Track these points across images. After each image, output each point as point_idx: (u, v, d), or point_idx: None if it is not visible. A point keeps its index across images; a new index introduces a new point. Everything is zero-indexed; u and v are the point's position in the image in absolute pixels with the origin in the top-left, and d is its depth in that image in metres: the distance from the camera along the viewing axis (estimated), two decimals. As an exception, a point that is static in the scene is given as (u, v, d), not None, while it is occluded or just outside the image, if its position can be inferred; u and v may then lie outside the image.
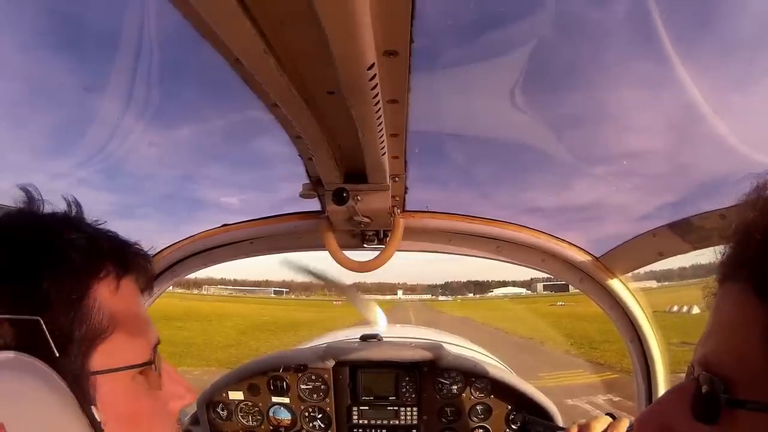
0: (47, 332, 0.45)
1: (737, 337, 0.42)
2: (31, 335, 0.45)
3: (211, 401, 1.83)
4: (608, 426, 0.81)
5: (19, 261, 0.48)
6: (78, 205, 0.60)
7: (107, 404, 0.50)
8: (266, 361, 1.86)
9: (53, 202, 0.59)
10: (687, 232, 1.22)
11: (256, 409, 1.81)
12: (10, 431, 0.40)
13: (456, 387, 1.74)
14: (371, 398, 1.77)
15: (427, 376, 1.75)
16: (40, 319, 0.45)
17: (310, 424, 1.80)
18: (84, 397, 0.47)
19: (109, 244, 0.57)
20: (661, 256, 1.37)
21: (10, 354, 0.43)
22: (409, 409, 1.76)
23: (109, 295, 0.54)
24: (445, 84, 0.98)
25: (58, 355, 0.45)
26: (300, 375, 1.78)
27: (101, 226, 0.60)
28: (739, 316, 0.42)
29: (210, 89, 1.08)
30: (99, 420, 0.47)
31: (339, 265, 1.32)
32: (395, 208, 1.30)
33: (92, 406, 0.47)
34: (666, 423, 0.47)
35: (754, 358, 0.40)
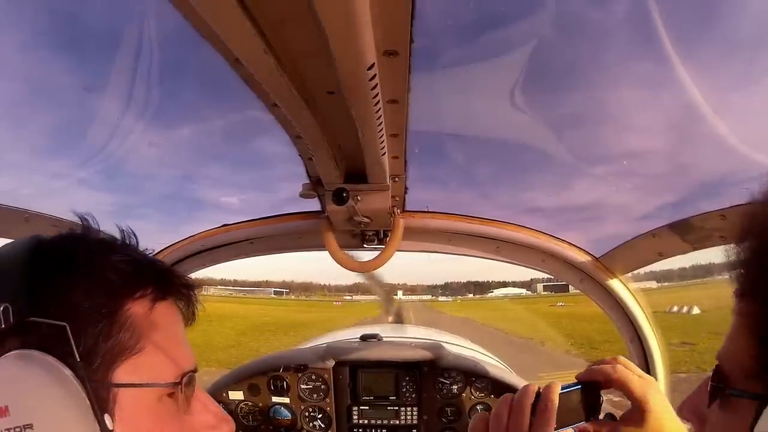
0: (71, 338, 0.47)
1: (732, 340, 0.53)
2: (57, 340, 0.47)
3: (211, 401, 1.82)
4: (537, 393, 0.79)
5: (58, 275, 0.51)
6: (131, 234, 0.63)
7: (127, 419, 0.51)
8: (266, 361, 1.86)
9: (111, 231, 0.62)
10: (687, 232, 1.22)
11: (257, 409, 1.81)
12: (16, 418, 0.44)
13: (456, 387, 1.74)
14: (371, 398, 1.77)
15: (427, 376, 1.75)
16: (66, 325, 0.47)
17: (311, 424, 1.80)
18: (99, 404, 0.48)
19: (151, 269, 0.59)
20: (661, 256, 1.37)
21: (29, 351, 0.46)
22: (409, 408, 1.76)
23: (142, 315, 0.55)
24: (445, 84, 0.98)
25: (79, 359, 0.47)
26: (300, 375, 1.78)
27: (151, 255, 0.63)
28: (737, 324, 0.53)
29: (210, 89, 1.08)
30: (110, 428, 0.48)
31: (339, 265, 1.32)
32: (395, 208, 1.30)
33: (105, 414, 0.48)
34: (695, 404, 0.60)
35: (739, 358, 0.51)
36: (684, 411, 0.62)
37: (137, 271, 0.56)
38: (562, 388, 0.79)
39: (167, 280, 0.61)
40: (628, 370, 0.83)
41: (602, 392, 0.86)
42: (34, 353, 0.46)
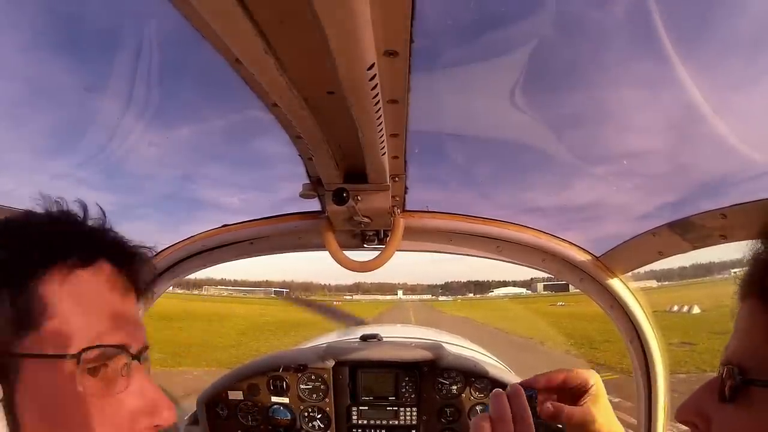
0: None
1: (749, 338, 0.55)
2: None
3: (211, 401, 1.83)
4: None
5: None
6: (84, 207, 0.62)
7: (31, 393, 0.50)
8: (266, 361, 1.86)
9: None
10: (687, 231, 1.22)
11: (256, 409, 1.81)
12: None
13: (456, 387, 1.74)
14: (371, 398, 1.77)
15: (426, 376, 1.75)
16: None
17: (310, 424, 1.80)
18: None
19: (74, 236, 0.56)
20: (661, 255, 1.37)
21: None
22: (408, 409, 1.76)
23: (54, 286, 0.52)
24: (445, 84, 0.98)
25: None
26: (300, 375, 1.78)
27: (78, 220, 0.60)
28: (751, 323, 0.55)
29: (210, 89, 1.08)
30: (0, 395, 0.48)
31: (339, 265, 1.32)
32: (395, 208, 1.30)
33: None
34: (699, 407, 0.59)
35: (762, 351, 0.52)
36: (685, 413, 0.60)
37: (53, 241, 0.54)
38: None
39: (94, 245, 0.57)
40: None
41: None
42: None
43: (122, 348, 0.54)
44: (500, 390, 0.79)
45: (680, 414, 0.61)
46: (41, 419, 0.50)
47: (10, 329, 0.50)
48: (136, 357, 0.57)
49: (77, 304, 0.53)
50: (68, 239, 0.55)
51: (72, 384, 0.50)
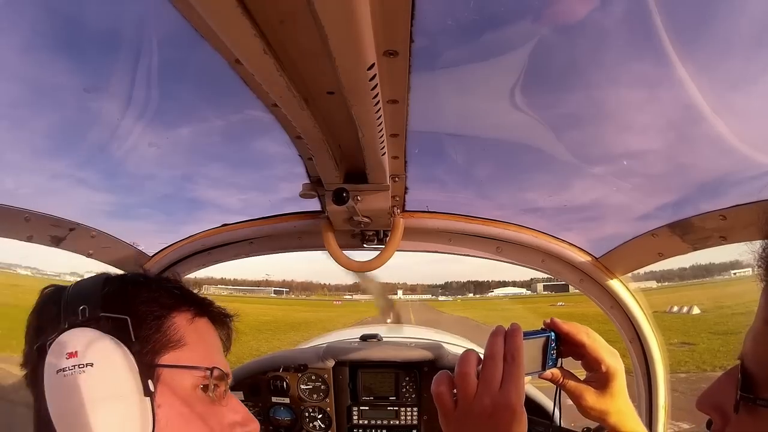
0: (131, 328, 0.67)
1: (762, 338, 0.50)
2: (120, 329, 0.67)
3: (211, 401, 1.83)
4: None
5: (126, 290, 0.73)
6: (179, 278, 0.85)
7: (166, 395, 0.68)
8: (266, 361, 1.86)
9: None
10: (687, 232, 1.23)
11: (257, 409, 1.81)
12: (81, 359, 0.62)
13: (456, 387, 1.74)
14: (371, 398, 1.77)
15: (427, 376, 1.75)
16: (127, 318, 0.67)
17: (311, 425, 1.80)
18: (145, 374, 0.65)
19: (193, 296, 0.80)
20: (661, 256, 1.37)
21: (100, 332, 0.65)
22: (409, 409, 1.76)
23: (184, 324, 0.74)
24: (445, 84, 0.98)
25: (134, 339, 0.66)
26: (300, 375, 1.78)
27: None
28: (765, 317, 0.49)
29: (210, 89, 1.07)
30: (152, 390, 0.65)
31: (339, 265, 1.32)
32: (395, 208, 1.30)
33: (149, 380, 0.65)
34: (717, 403, 0.56)
35: None
36: (705, 406, 0.58)
37: (183, 295, 0.78)
38: (525, 335, 0.76)
39: (205, 304, 0.81)
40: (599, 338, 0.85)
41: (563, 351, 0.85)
42: (103, 333, 0.65)
43: (227, 375, 0.76)
44: (502, 327, 0.75)
45: (699, 405, 0.59)
46: (172, 415, 0.67)
47: (156, 347, 0.69)
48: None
49: (201, 340, 0.75)
50: (187, 296, 0.79)
51: (192, 393, 0.71)
